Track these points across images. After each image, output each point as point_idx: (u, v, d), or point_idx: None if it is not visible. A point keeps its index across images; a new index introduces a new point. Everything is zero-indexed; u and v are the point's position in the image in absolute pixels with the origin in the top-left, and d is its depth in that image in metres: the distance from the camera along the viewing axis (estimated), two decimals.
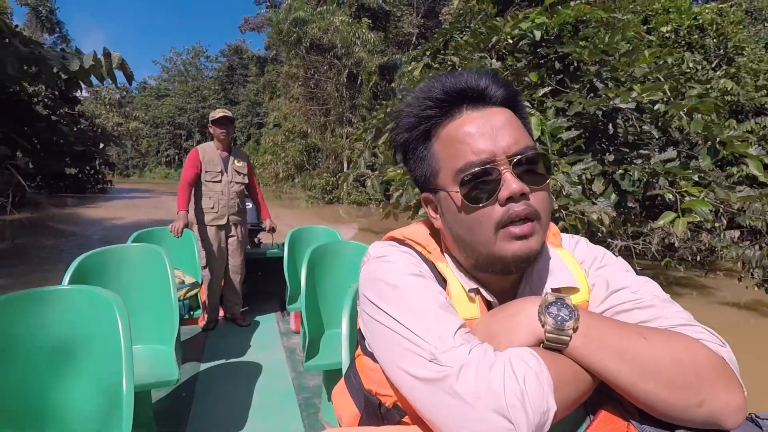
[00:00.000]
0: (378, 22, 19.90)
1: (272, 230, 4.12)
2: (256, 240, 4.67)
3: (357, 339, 0.86)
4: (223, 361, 3.16)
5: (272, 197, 19.30)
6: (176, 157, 45.10)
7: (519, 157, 0.69)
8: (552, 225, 0.85)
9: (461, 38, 6.52)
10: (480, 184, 0.70)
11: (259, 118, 34.92)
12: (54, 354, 1.48)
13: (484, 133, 0.71)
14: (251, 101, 37.37)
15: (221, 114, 3.71)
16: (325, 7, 19.26)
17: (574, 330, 0.62)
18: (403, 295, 0.70)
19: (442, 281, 0.77)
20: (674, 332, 0.65)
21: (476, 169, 0.69)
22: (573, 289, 0.78)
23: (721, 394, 0.60)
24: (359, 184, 8.50)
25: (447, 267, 0.79)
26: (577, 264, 0.83)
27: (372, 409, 0.77)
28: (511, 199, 0.68)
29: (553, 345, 0.63)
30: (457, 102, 0.74)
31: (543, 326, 0.63)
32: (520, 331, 0.65)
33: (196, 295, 3.71)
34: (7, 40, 8.65)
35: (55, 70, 9.45)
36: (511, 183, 0.68)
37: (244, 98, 38.91)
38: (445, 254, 0.81)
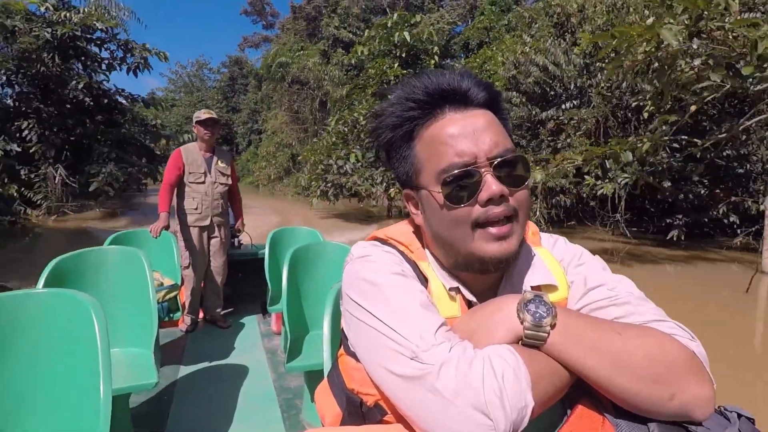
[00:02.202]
0: (351, 51, 25.18)
1: (238, 231, 4.14)
2: (235, 242, 4.64)
3: (340, 339, 0.87)
4: (203, 363, 3.12)
5: (267, 194, 26.51)
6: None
7: (499, 159, 0.71)
8: (531, 224, 0.87)
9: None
10: (461, 185, 0.71)
11: (258, 125, 38.27)
12: (30, 359, 1.45)
13: (466, 135, 0.72)
14: (251, 109, 40.10)
15: (207, 115, 3.67)
16: (302, 52, 27.24)
17: (552, 327, 0.64)
18: (384, 294, 0.71)
19: (424, 280, 0.78)
20: (647, 328, 0.67)
21: (458, 170, 0.71)
22: (552, 287, 0.80)
23: (691, 387, 0.62)
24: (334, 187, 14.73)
25: (429, 266, 0.80)
26: (556, 262, 0.84)
27: (354, 409, 0.78)
28: (490, 200, 0.70)
29: (531, 342, 0.64)
30: (440, 103, 0.75)
31: (522, 323, 0.65)
32: (499, 328, 0.66)
33: (175, 297, 3.66)
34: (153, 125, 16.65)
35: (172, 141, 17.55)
36: (491, 185, 0.69)
37: (245, 106, 41.62)
38: (427, 252, 0.82)
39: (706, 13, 3.51)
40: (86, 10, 13.06)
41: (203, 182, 3.68)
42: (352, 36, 25.70)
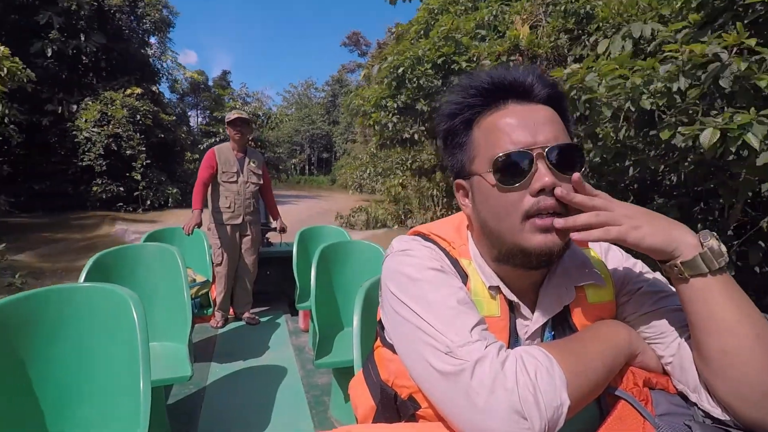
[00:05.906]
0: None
1: (282, 230, 4.16)
2: (264, 240, 4.72)
3: (376, 331, 0.88)
4: (233, 360, 3.18)
5: (349, 192, 35.13)
6: (291, 167, 56.71)
7: (554, 148, 0.69)
8: None
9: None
10: (514, 171, 0.69)
11: (353, 136, 46.52)
12: (74, 350, 1.51)
13: (525, 126, 0.71)
14: (348, 122, 47.74)
15: (236, 116, 3.74)
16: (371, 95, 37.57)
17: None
18: (423, 289, 0.71)
19: (465, 277, 0.78)
20: None
21: (512, 156, 0.70)
22: (599, 287, 0.79)
23: None
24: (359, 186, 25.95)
25: (470, 264, 0.79)
26: (603, 263, 0.83)
27: (388, 401, 0.78)
28: (542, 191, 0.68)
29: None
30: (503, 94, 0.75)
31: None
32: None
33: (206, 293, 3.75)
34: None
35: None
36: (544, 175, 0.68)
37: (343, 120, 49.65)
38: (471, 250, 0.81)
39: None
40: (254, 105, 27.75)
41: (236, 181, 3.76)
42: None
